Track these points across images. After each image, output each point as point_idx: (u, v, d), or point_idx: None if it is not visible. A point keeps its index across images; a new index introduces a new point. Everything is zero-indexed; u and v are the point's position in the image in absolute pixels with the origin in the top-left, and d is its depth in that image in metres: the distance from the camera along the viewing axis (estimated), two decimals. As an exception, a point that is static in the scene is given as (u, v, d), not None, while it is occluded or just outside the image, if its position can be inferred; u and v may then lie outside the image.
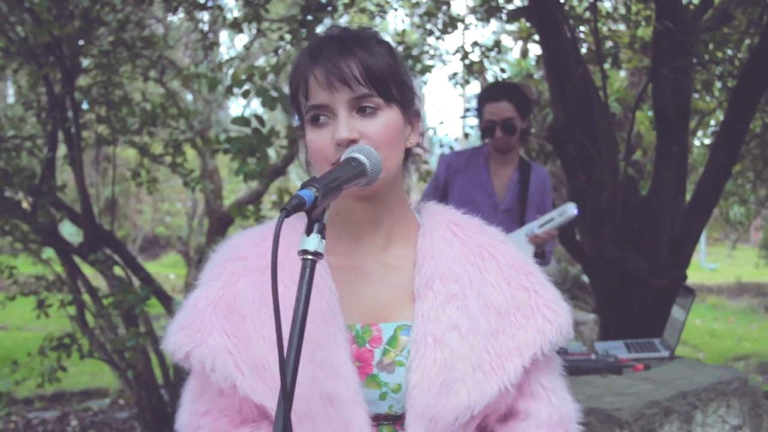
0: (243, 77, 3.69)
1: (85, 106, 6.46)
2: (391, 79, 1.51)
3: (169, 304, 5.96)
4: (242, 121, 3.57)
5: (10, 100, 9.31)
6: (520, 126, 4.24)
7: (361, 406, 1.46)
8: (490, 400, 1.49)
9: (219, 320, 1.50)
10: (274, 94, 3.58)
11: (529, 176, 4.31)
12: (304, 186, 1.29)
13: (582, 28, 6.63)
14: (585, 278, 10.53)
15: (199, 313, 1.51)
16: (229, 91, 3.81)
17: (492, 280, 1.56)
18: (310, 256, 1.28)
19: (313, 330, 1.44)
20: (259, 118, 3.72)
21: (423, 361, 1.48)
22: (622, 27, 7.64)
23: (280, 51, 5.56)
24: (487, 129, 4.21)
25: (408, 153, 1.59)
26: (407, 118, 1.56)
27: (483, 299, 1.54)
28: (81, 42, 5.75)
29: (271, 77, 3.99)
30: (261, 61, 11.55)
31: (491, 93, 4.27)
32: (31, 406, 8.25)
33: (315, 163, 1.52)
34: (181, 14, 7.33)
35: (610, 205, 5.43)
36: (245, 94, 3.72)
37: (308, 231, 1.29)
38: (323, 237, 1.30)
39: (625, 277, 5.46)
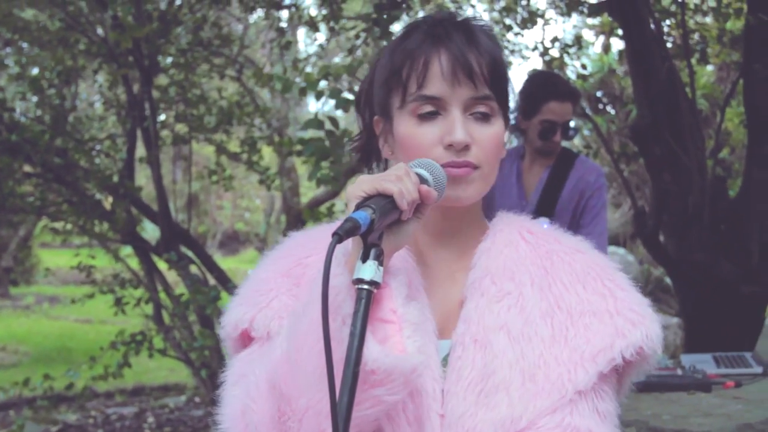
0: (317, 78, 3.62)
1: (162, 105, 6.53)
2: (508, 83, 1.36)
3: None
4: (315, 123, 3.49)
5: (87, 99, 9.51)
6: None
7: (438, 402, 1.31)
8: (541, 415, 1.28)
9: (286, 284, 1.37)
10: (349, 95, 3.50)
11: (568, 173, 3.74)
12: (359, 207, 1.18)
13: (667, 22, 6.40)
14: (668, 280, 10.27)
15: (265, 280, 1.39)
16: (302, 93, 3.74)
17: (565, 281, 1.37)
18: (365, 286, 1.17)
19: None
20: (332, 119, 3.64)
21: (458, 363, 1.32)
22: (708, 20, 7.38)
23: (355, 50, 5.49)
24: (546, 130, 3.64)
25: None
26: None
27: (548, 301, 1.35)
28: (159, 42, 5.80)
29: (345, 78, 3.92)
30: (337, 60, 11.55)
31: (559, 90, 3.67)
32: (111, 399, 8.43)
33: (409, 160, 1.31)
34: (259, 13, 7.36)
35: (698, 207, 5.24)
36: (318, 96, 3.65)
37: (364, 257, 1.19)
38: (381, 264, 1.19)
39: (712, 283, 5.28)
